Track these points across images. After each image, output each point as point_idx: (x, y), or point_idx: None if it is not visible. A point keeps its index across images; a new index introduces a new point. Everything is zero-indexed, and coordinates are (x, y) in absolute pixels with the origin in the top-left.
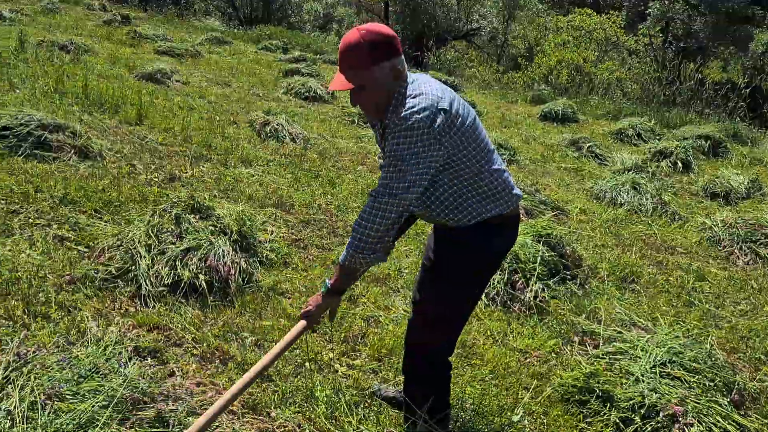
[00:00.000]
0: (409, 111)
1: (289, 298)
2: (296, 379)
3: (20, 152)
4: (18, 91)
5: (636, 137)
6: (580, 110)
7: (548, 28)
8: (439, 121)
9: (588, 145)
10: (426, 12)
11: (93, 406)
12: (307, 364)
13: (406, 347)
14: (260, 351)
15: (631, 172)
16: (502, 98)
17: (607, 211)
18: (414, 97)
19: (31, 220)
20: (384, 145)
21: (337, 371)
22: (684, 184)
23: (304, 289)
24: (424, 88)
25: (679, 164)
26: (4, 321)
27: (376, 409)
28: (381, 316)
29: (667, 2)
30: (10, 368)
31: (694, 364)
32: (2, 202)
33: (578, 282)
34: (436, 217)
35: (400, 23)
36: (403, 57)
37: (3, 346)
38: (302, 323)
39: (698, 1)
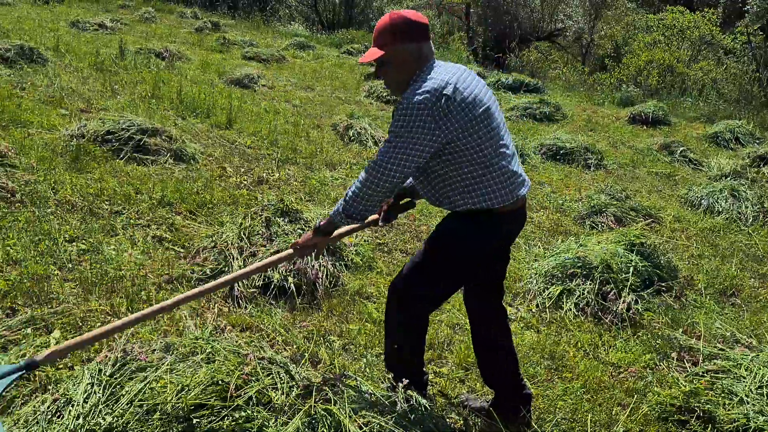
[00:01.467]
0: (412, 92)
1: (375, 302)
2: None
3: (122, 155)
4: (119, 96)
5: (733, 141)
6: (671, 113)
7: (637, 27)
8: (439, 104)
9: (681, 149)
10: (508, 13)
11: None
12: None
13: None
14: (347, 355)
15: (728, 178)
16: (588, 100)
17: (703, 219)
18: (425, 81)
19: (132, 221)
20: None
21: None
22: None
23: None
24: (437, 73)
25: None
26: (110, 317)
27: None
28: (466, 323)
29: None
30: (118, 364)
31: None
32: (107, 203)
33: (674, 294)
34: (432, 199)
35: (482, 25)
36: (430, 43)
37: (111, 343)
38: (289, 251)
39: None
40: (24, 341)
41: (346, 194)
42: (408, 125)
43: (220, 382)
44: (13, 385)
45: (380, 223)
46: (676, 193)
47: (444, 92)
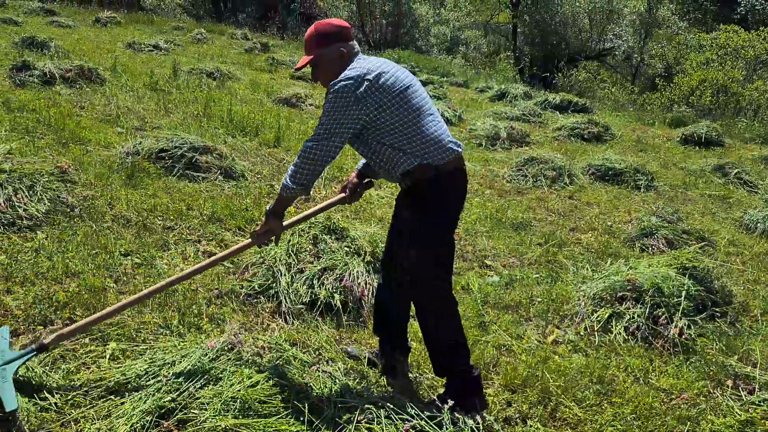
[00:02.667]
0: (337, 79)
1: None
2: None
3: (174, 172)
4: (172, 115)
5: None
6: (725, 133)
7: (689, 47)
8: (362, 88)
9: (735, 170)
10: (556, 33)
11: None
12: (440, 389)
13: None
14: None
15: None
16: (638, 120)
17: (759, 243)
18: (347, 72)
19: (183, 236)
20: None
21: None
22: None
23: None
24: (358, 64)
25: None
26: (162, 329)
27: None
28: (513, 344)
29: None
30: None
31: None
32: (160, 218)
33: (728, 320)
34: (386, 174)
35: (529, 45)
36: (351, 43)
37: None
38: (248, 240)
39: None
40: (81, 350)
41: (289, 170)
42: (334, 107)
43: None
44: (24, 366)
45: (347, 201)
46: (730, 216)
47: (366, 77)
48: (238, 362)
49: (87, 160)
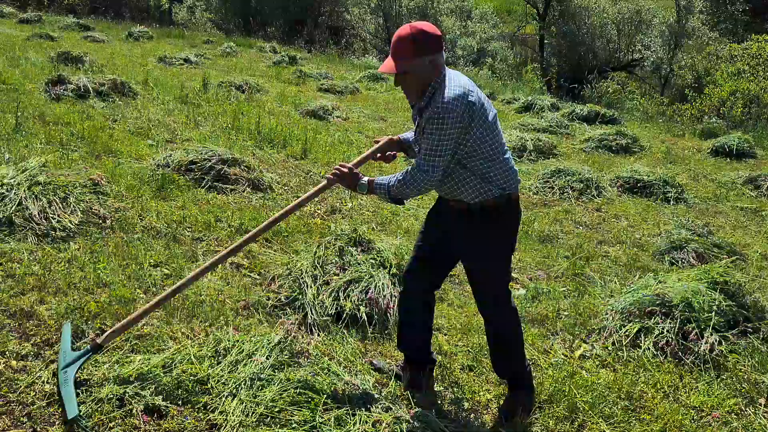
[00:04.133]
0: (446, 99)
1: (446, 335)
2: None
3: (203, 184)
4: (201, 128)
5: None
6: (758, 145)
7: (720, 57)
8: (467, 108)
9: None
10: (583, 44)
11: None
12: (464, 403)
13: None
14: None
15: None
16: (667, 132)
17: None
18: (450, 89)
19: (212, 248)
20: (420, 123)
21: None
22: None
23: (459, 326)
24: (455, 82)
25: None
26: (190, 341)
27: None
28: (539, 359)
29: None
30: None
31: None
32: (189, 230)
33: (761, 336)
34: (448, 190)
35: (556, 55)
36: (443, 53)
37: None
38: (324, 182)
39: None
40: (115, 356)
41: (395, 182)
42: (443, 129)
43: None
44: (83, 368)
45: (376, 158)
46: (763, 229)
47: (468, 98)
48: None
49: (119, 172)
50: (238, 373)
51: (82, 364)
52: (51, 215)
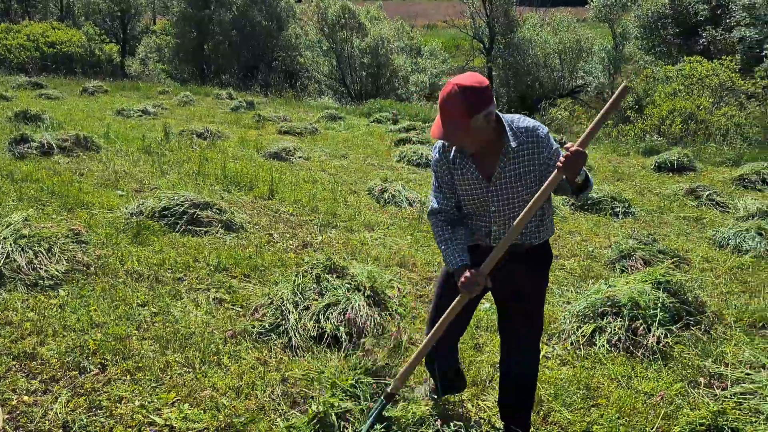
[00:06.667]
0: (534, 125)
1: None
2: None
3: (177, 228)
4: (168, 176)
5: (760, 183)
6: (696, 158)
7: (657, 79)
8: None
9: (707, 193)
10: (529, 73)
11: None
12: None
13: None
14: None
15: (756, 218)
16: (613, 152)
17: (731, 258)
18: (524, 119)
19: (194, 286)
20: (505, 164)
21: (468, 411)
22: None
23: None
24: (523, 119)
25: None
26: (185, 368)
27: None
28: None
29: None
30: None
31: None
32: (169, 271)
33: (702, 328)
34: (540, 231)
35: (505, 86)
36: (494, 101)
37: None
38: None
39: None
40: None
41: (591, 182)
42: (550, 137)
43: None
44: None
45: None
46: (704, 235)
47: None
48: None
49: (94, 222)
50: None
51: (377, 413)
52: (38, 265)
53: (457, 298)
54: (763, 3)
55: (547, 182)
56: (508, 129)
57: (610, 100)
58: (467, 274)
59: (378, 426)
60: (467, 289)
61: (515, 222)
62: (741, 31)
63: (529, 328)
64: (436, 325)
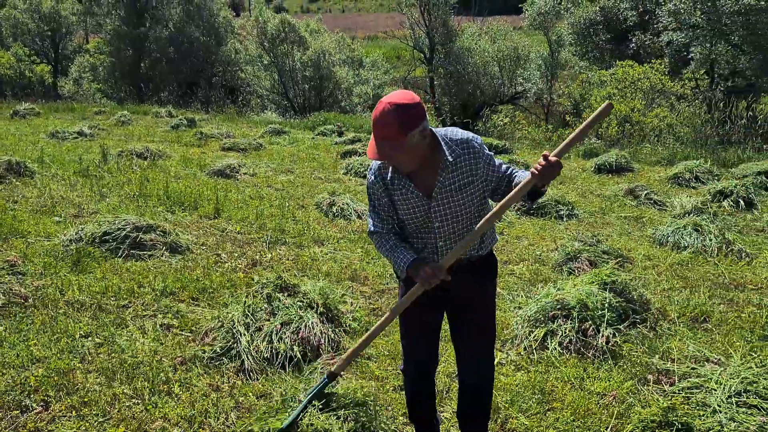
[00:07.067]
0: (467, 136)
1: (375, 362)
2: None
3: (119, 254)
4: (107, 199)
5: (694, 180)
6: (633, 159)
7: (592, 83)
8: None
9: (645, 192)
10: (470, 81)
11: None
12: (401, 417)
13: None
14: None
15: (691, 215)
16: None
17: (671, 255)
18: (457, 131)
19: (139, 312)
20: (445, 179)
21: None
22: (749, 222)
23: (387, 353)
24: (454, 132)
25: (742, 202)
26: (133, 399)
27: None
28: None
29: (709, 45)
30: None
31: None
32: (113, 298)
33: (648, 325)
34: (488, 239)
35: (446, 95)
36: (426, 116)
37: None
38: (529, 177)
39: (741, 40)
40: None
41: (521, 175)
42: (483, 147)
43: None
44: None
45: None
46: (644, 233)
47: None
48: None
49: (31, 251)
50: None
51: (317, 390)
52: None
53: (413, 288)
54: (688, 8)
55: (518, 188)
56: (443, 143)
57: (593, 116)
58: (426, 268)
59: (316, 402)
60: (426, 281)
61: (477, 225)
62: (668, 35)
63: (482, 337)
64: (388, 312)
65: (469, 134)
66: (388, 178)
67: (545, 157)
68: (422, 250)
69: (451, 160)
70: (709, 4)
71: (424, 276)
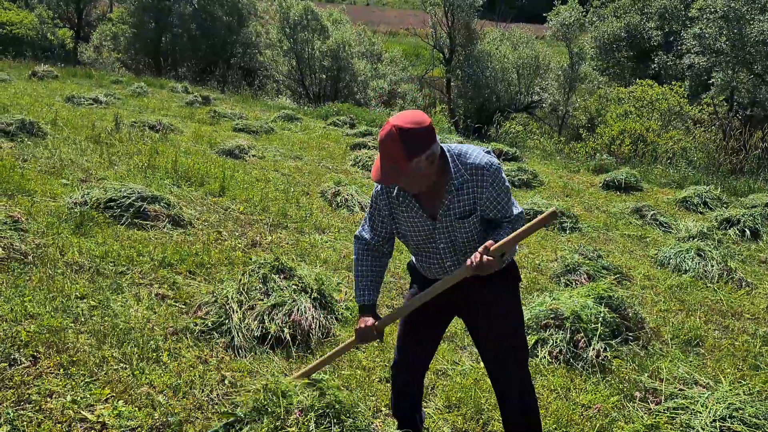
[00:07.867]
0: (490, 161)
1: (364, 352)
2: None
3: (123, 221)
4: (116, 167)
5: (702, 205)
6: (643, 179)
7: (609, 99)
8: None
9: (652, 213)
10: (487, 86)
11: None
12: (383, 408)
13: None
14: None
15: (696, 240)
16: (564, 168)
17: (671, 277)
18: (475, 150)
19: (136, 280)
20: (450, 202)
21: None
22: (753, 252)
23: (376, 344)
24: (470, 149)
25: (748, 232)
26: (122, 363)
27: None
28: (449, 369)
29: (731, 72)
30: None
31: (755, 420)
32: (112, 264)
33: (641, 344)
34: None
35: (462, 97)
36: (437, 139)
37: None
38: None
39: (763, 70)
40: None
41: (501, 236)
42: (503, 178)
43: None
44: None
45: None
46: (647, 253)
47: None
48: None
49: (35, 210)
50: None
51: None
52: None
53: (349, 341)
54: (712, 33)
55: (450, 276)
56: (452, 165)
57: (536, 220)
58: (365, 323)
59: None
60: (359, 338)
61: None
62: (690, 59)
63: (513, 362)
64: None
65: (486, 160)
66: (394, 194)
67: (486, 249)
68: (429, 268)
69: (457, 184)
70: (735, 31)
71: (359, 332)
